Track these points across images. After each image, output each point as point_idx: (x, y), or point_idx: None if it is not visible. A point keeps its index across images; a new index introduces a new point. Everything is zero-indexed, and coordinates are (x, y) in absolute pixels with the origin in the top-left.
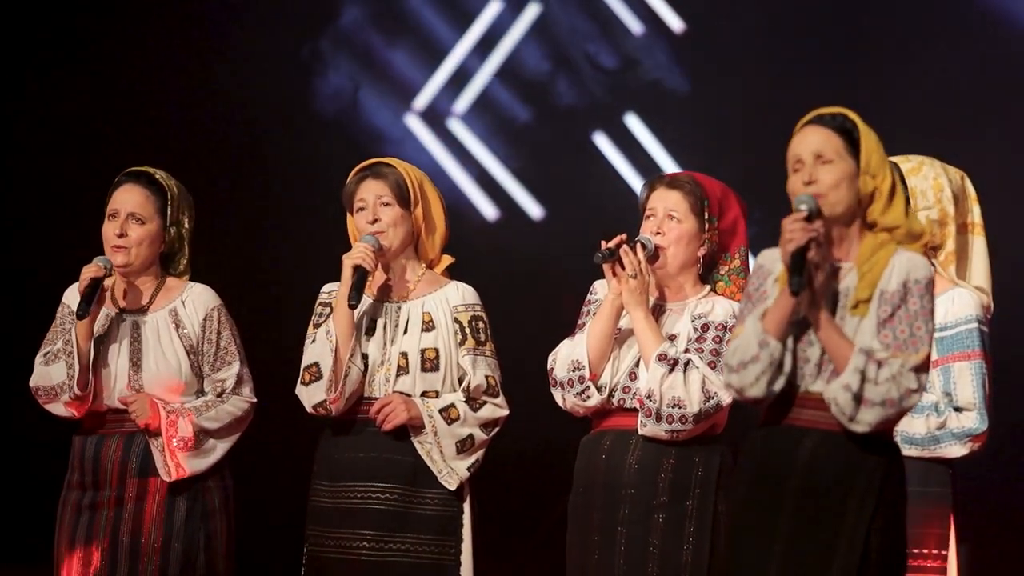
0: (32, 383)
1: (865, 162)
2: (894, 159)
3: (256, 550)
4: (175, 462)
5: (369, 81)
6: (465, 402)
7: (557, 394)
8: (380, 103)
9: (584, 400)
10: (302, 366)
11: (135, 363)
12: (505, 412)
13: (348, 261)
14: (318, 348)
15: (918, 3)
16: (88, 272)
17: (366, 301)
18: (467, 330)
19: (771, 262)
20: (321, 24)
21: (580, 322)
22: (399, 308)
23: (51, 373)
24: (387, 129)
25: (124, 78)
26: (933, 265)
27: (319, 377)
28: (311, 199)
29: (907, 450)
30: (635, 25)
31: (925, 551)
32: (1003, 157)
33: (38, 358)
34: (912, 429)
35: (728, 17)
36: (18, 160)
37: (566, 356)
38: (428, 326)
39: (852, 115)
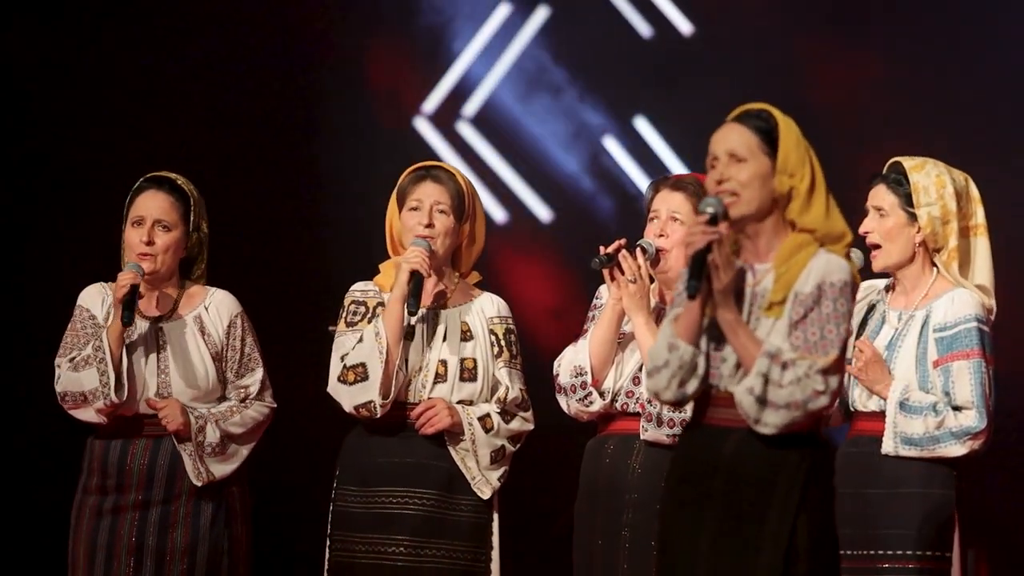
0: (59, 389)
1: (782, 161)
2: (897, 159)
3: (267, 555)
4: (205, 467)
5: (378, 84)
6: (499, 413)
7: (562, 400)
8: (389, 106)
9: (587, 406)
10: (343, 364)
11: (162, 369)
12: (531, 427)
13: (406, 265)
14: (366, 349)
15: (924, 2)
16: (126, 279)
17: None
18: (502, 342)
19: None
20: (328, 28)
21: (585, 327)
22: (436, 315)
23: (82, 379)
24: (396, 132)
25: (133, 78)
26: (936, 266)
27: (365, 378)
28: (321, 202)
29: (907, 451)
30: (644, 28)
31: (928, 553)
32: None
33: (63, 363)
34: (911, 430)
35: (737, 19)
36: (24, 160)
37: (569, 362)
38: (466, 336)
39: (775, 112)
